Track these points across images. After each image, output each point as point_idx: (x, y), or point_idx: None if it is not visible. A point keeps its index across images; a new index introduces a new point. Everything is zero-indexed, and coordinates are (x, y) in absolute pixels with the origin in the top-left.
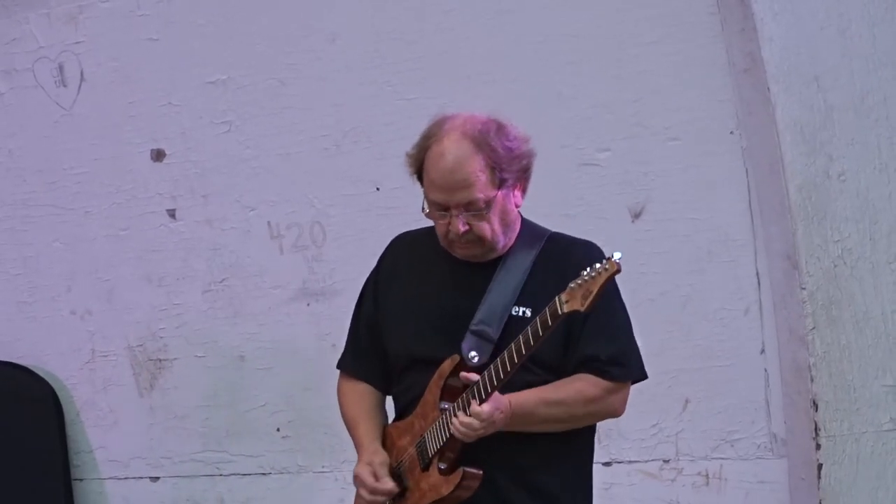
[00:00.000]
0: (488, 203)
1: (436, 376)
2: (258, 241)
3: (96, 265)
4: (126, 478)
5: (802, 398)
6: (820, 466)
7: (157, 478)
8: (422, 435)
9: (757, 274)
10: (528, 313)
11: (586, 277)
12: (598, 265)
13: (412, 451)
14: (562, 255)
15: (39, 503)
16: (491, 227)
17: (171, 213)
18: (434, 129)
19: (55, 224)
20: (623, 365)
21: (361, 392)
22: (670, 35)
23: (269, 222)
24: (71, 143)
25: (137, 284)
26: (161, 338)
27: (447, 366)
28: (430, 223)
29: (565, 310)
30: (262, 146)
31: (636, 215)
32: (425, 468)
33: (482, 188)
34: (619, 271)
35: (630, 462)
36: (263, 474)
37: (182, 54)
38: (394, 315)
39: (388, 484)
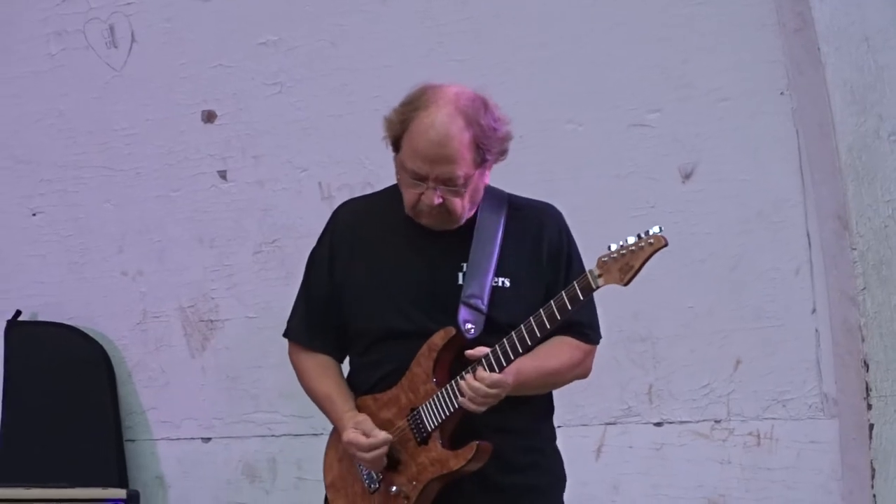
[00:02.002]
0: (466, 180)
1: (425, 349)
2: (309, 201)
3: (147, 226)
4: (178, 438)
5: (853, 358)
6: (871, 427)
7: (209, 438)
8: (413, 408)
9: (807, 234)
10: (507, 283)
11: (622, 251)
12: (633, 239)
13: (402, 424)
14: (531, 223)
15: (92, 464)
16: (462, 203)
17: (223, 175)
18: (422, 98)
19: (106, 185)
20: (597, 328)
21: (324, 364)
22: None
23: (320, 183)
24: (122, 105)
25: (189, 245)
26: (212, 299)
27: (440, 338)
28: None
29: (600, 284)
30: (312, 107)
31: (686, 176)
32: (423, 442)
33: (464, 165)
34: (666, 245)
35: (681, 422)
36: (315, 435)
37: (233, 15)
38: (359, 288)
39: (381, 434)
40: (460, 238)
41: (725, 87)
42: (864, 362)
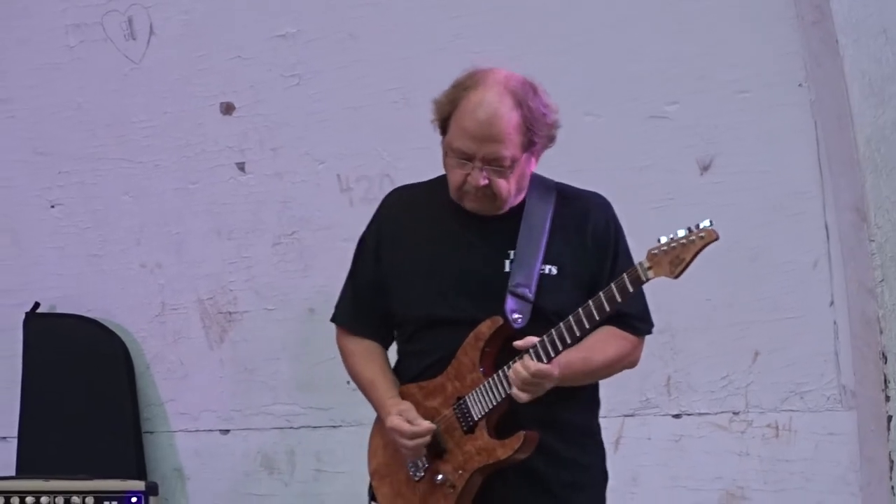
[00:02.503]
0: (513, 162)
1: (472, 338)
2: (328, 194)
3: (166, 218)
4: (196, 430)
5: (872, 350)
6: (889, 418)
7: (228, 430)
8: (460, 397)
9: (826, 226)
10: (555, 271)
11: (672, 244)
12: (683, 231)
13: (448, 412)
14: (578, 212)
15: (110, 456)
16: (508, 186)
17: (241, 167)
18: (472, 79)
19: (124, 177)
20: (647, 319)
21: (370, 350)
22: None
23: (338, 175)
24: (140, 97)
25: (207, 237)
26: (231, 291)
27: (487, 328)
28: (424, 178)
29: (650, 276)
30: (331, 99)
31: (705, 168)
32: (469, 430)
33: (512, 146)
34: (717, 239)
35: (700, 414)
36: (334, 427)
37: (251, 7)
38: (406, 275)
39: (425, 423)
40: (508, 226)
41: (744, 79)
42: (883, 354)
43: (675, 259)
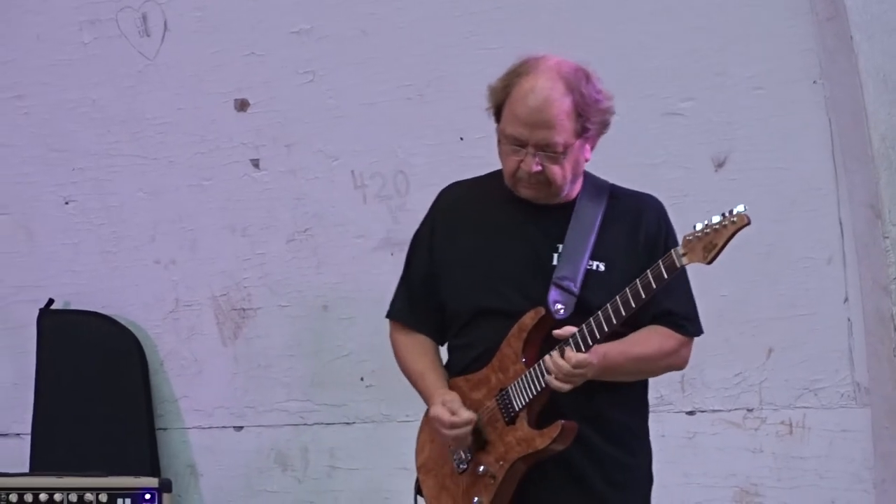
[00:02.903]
0: (566, 148)
1: (516, 329)
2: (342, 190)
3: (180, 215)
4: (210, 427)
5: (886, 347)
6: None
7: (241, 427)
8: (502, 388)
9: (840, 223)
10: (602, 267)
11: (706, 230)
12: (717, 217)
13: (491, 404)
14: (630, 211)
15: (124, 453)
16: (562, 173)
17: (255, 163)
18: (525, 66)
19: (139, 174)
20: (696, 320)
21: (422, 343)
22: None
23: (352, 172)
24: (154, 93)
25: (221, 234)
26: (245, 287)
27: (530, 319)
28: (478, 174)
29: (684, 262)
30: (345, 96)
31: (719, 165)
32: (511, 422)
33: (564, 132)
34: (749, 224)
35: (713, 411)
36: (347, 423)
37: (265, 4)
38: (458, 266)
39: (466, 414)
40: (559, 220)
41: (759, 75)
42: None
43: (709, 244)
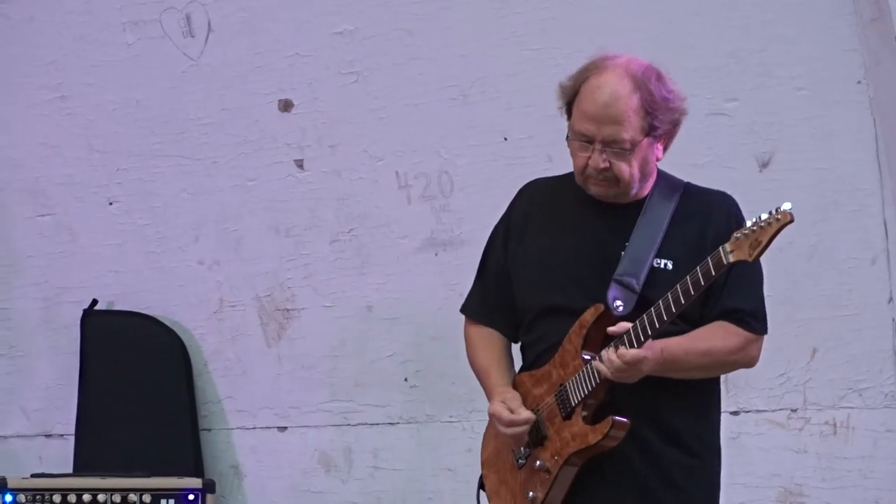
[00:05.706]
0: (633, 145)
1: (576, 325)
2: (386, 191)
3: (224, 215)
4: (254, 427)
5: None
6: None
7: (285, 428)
8: (562, 384)
9: (884, 223)
10: (670, 266)
11: (754, 228)
12: (765, 215)
13: (550, 399)
14: (700, 208)
15: (168, 453)
16: (630, 170)
17: (299, 164)
18: (595, 63)
19: (182, 174)
20: (762, 318)
21: (491, 339)
22: None
23: (396, 172)
24: (198, 94)
25: (265, 234)
26: (289, 288)
27: (590, 315)
28: (559, 172)
29: (731, 259)
30: (389, 96)
31: (763, 165)
32: (567, 417)
33: (631, 129)
34: (792, 221)
35: (758, 411)
36: (391, 424)
37: (309, 4)
38: (527, 263)
39: (524, 413)
40: (628, 218)
41: (802, 76)
42: None
43: (754, 242)
